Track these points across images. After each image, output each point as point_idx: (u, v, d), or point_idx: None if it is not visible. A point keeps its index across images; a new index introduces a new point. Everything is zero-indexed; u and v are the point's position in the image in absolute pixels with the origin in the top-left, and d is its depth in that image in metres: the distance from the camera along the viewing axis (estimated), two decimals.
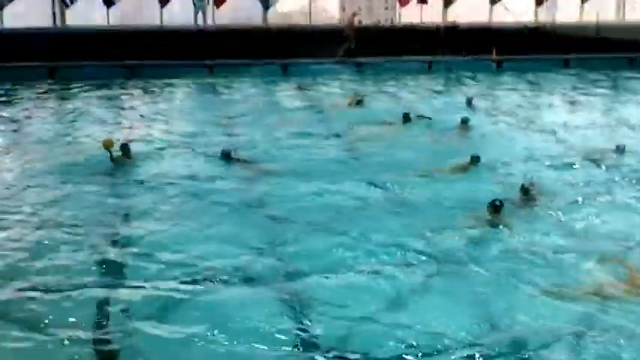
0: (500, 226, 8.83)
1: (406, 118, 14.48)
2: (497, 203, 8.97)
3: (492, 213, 8.95)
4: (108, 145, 11.43)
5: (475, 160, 11.30)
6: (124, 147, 11.82)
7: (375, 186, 10.70)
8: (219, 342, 6.35)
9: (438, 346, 6.29)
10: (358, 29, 22.93)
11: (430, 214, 9.47)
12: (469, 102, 16.54)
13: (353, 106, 16.32)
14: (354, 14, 23.83)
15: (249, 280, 7.57)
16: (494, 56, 23.04)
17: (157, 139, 13.55)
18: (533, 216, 9.32)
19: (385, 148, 12.79)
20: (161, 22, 23.98)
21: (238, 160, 11.80)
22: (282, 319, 6.75)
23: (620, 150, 12.31)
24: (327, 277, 7.61)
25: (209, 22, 24.07)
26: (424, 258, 8.10)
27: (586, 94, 19.23)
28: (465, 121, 14.20)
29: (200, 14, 24.03)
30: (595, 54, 23.42)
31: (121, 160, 11.62)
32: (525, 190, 9.69)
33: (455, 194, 10.13)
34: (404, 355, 6.19)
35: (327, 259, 8.05)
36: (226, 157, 11.82)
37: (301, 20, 24.65)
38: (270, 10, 24.18)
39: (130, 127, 14.79)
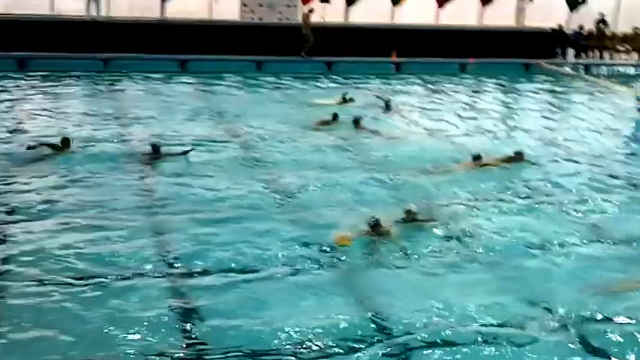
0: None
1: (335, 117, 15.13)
2: (372, 223, 8.96)
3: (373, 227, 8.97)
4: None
5: None
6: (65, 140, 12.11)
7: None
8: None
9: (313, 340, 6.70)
10: (314, 26, 23.01)
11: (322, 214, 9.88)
12: (387, 105, 16.92)
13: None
14: (311, 11, 23.76)
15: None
16: (393, 58, 23.46)
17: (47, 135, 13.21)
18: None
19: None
20: (52, 10, 23.14)
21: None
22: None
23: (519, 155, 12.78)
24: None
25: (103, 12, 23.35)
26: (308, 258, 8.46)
27: (481, 99, 19.78)
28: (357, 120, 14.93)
29: (93, 4, 23.26)
30: (493, 59, 24.22)
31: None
32: (409, 214, 9.45)
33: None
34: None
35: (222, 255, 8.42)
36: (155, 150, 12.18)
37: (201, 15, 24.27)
38: (170, 4, 23.64)
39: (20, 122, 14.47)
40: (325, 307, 7.33)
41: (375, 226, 8.97)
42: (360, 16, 24.98)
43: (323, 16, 23.90)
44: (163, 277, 7.94)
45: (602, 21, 26.87)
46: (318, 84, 20.62)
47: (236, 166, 12.17)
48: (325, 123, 14.96)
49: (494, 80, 22.41)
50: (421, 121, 16.45)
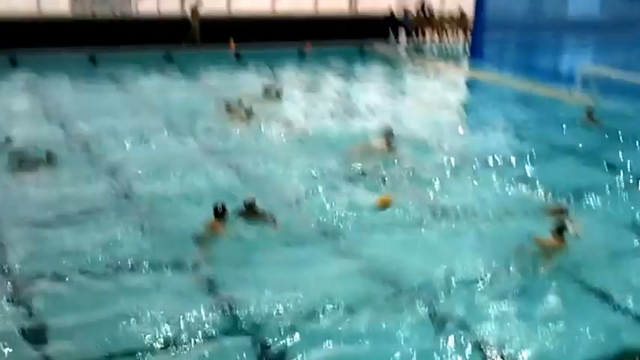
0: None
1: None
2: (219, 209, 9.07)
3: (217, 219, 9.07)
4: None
5: None
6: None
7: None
8: None
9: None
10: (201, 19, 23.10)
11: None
12: (277, 93, 17.22)
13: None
14: (198, 2, 23.81)
15: None
16: (232, 47, 23.74)
17: None
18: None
19: None
20: None
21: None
22: None
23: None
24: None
25: None
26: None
27: (321, 83, 20.45)
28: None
29: None
30: (330, 43, 25.07)
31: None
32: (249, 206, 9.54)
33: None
34: None
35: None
36: None
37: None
38: None
39: None
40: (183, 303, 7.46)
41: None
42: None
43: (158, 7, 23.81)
44: None
45: (422, 5, 28.51)
46: (160, 74, 20.50)
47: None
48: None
49: (331, 64, 23.19)
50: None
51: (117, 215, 9.73)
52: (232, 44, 23.82)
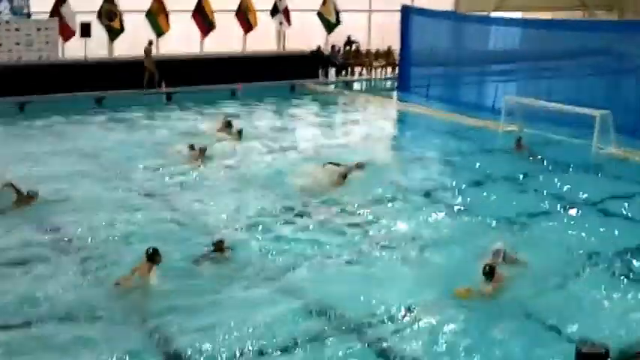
0: None
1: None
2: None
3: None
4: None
5: None
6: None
7: None
8: None
9: None
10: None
11: None
12: (239, 132, 17.44)
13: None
14: (151, 43, 23.57)
15: None
16: (162, 88, 23.80)
17: None
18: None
19: None
20: None
21: None
22: None
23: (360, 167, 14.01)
24: None
25: None
26: None
27: (255, 121, 20.63)
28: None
29: None
30: (261, 82, 25.44)
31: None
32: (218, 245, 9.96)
33: None
34: None
35: None
36: None
37: None
38: None
39: None
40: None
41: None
42: (124, 48, 25.07)
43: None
44: None
45: (349, 42, 29.28)
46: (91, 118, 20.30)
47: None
48: None
49: (263, 102, 23.48)
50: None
51: (52, 262, 9.72)
52: (163, 85, 23.88)
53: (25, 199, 11.93)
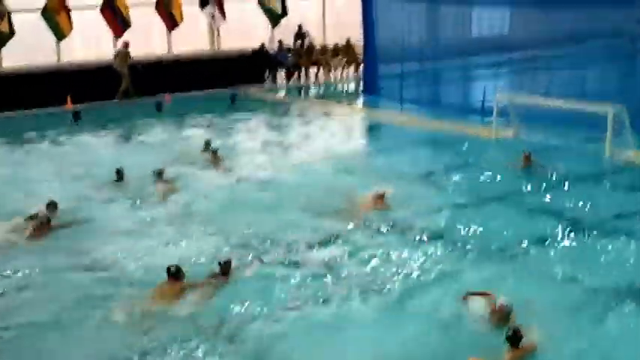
0: None
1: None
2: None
3: None
4: None
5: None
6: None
7: None
8: None
9: None
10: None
11: None
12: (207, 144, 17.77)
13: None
14: (126, 45, 23.51)
15: None
16: (68, 105, 23.19)
17: None
18: None
19: None
20: None
21: None
22: None
23: None
24: None
25: None
26: None
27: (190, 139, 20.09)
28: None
29: None
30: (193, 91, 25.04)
31: None
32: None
33: None
34: None
35: None
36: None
37: None
38: None
39: None
40: None
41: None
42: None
43: None
44: None
45: (300, 34, 28.88)
46: None
47: None
48: None
49: (196, 117, 22.88)
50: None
51: None
52: (69, 101, 23.30)
53: None
